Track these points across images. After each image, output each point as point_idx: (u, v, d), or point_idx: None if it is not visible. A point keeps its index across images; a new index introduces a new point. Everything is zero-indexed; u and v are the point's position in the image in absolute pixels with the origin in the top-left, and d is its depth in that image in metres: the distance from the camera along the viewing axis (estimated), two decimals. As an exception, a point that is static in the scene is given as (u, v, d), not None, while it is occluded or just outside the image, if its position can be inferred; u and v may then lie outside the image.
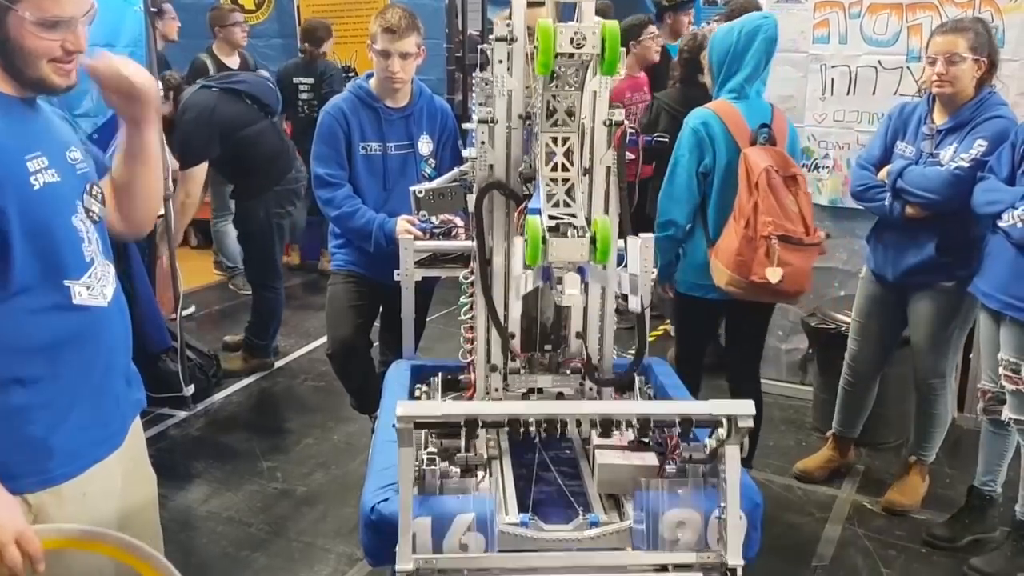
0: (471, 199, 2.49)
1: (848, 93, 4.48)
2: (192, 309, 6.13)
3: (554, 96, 2.11)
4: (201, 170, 4.80)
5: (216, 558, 3.48)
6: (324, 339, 4.08)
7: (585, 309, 2.55)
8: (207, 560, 3.46)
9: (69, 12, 1.82)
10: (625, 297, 2.34)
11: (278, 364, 5.38)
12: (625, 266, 2.26)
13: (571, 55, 1.93)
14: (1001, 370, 3.25)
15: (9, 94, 1.86)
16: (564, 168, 2.11)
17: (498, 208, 2.44)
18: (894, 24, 4.32)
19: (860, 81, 4.44)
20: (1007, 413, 3.29)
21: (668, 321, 5.54)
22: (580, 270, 2.07)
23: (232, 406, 4.87)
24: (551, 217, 2.03)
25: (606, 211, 2.44)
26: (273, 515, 3.77)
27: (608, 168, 2.41)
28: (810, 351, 4.62)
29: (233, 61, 6.51)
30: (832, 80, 4.50)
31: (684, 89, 4.77)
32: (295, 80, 6.71)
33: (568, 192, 2.09)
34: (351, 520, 3.52)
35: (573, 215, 2.05)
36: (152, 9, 4.32)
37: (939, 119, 3.48)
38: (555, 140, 2.12)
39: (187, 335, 4.79)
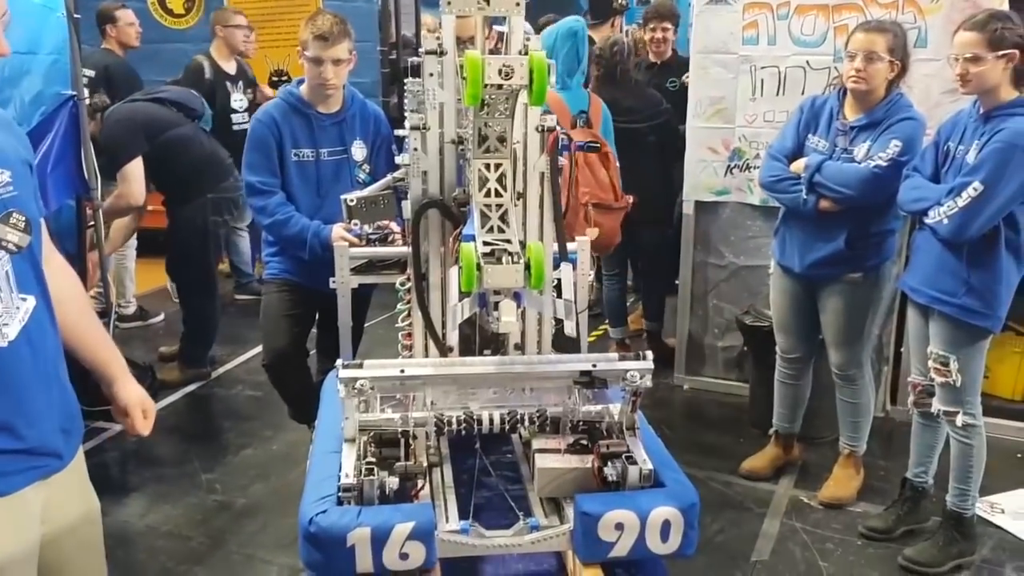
0: (406, 205, 2.49)
1: (778, 93, 4.54)
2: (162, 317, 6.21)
3: (485, 124, 2.11)
4: (136, 167, 4.71)
5: (155, 574, 3.42)
6: (261, 348, 4.03)
7: (523, 318, 2.56)
8: (145, 576, 3.42)
9: None
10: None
11: (215, 374, 5.30)
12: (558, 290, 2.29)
13: (499, 86, 1.94)
14: (931, 363, 3.33)
15: None
16: (497, 194, 2.11)
17: (433, 218, 2.44)
18: (821, 25, 4.39)
19: (789, 81, 4.50)
20: (937, 405, 3.36)
21: (607, 321, 5.57)
22: (516, 295, 2.08)
23: (169, 417, 4.78)
24: (485, 243, 2.04)
25: (541, 219, 2.45)
26: (213, 528, 3.71)
27: (542, 174, 2.42)
28: (745, 348, 4.68)
29: (230, 67, 6.31)
30: (762, 81, 4.56)
31: (603, 90, 4.88)
32: None
33: (502, 217, 2.10)
34: (292, 531, 3.42)
35: (508, 240, 2.05)
36: (76, 16, 4.22)
37: (851, 115, 3.57)
38: (488, 166, 2.12)
39: (120, 346, 4.68)
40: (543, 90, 1.94)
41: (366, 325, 3.88)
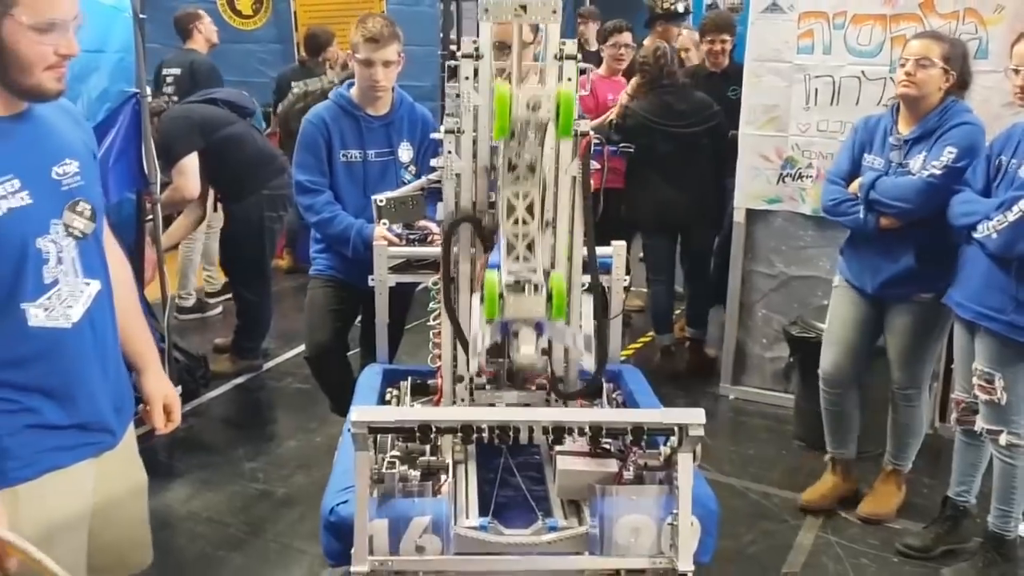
0: (440, 207, 2.52)
1: (832, 103, 4.49)
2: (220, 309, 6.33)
3: (516, 153, 2.13)
4: (191, 162, 4.84)
5: (193, 558, 3.53)
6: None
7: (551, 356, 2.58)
8: (184, 559, 3.51)
9: (63, 14, 1.83)
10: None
11: (266, 366, 5.42)
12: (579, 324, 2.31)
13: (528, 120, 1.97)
14: (975, 380, 3.27)
15: None
16: (524, 222, 2.14)
17: (465, 225, 2.47)
18: (878, 35, 4.34)
19: (844, 91, 4.45)
20: (980, 424, 3.30)
21: (654, 328, 5.56)
22: (539, 326, 2.09)
23: (218, 407, 4.92)
24: (510, 272, 2.06)
25: (571, 225, 2.46)
26: (252, 516, 3.81)
27: (573, 178, 2.44)
28: (791, 360, 4.63)
29: None
30: (816, 90, 4.52)
31: (652, 96, 4.96)
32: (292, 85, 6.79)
33: (528, 247, 2.12)
34: (328, 522, 3.55)
35: (532, 270, 2.07)
36: (142, 16, 4.34)
37: (904, 129, 3.50)
38: (516, 195, 2.15)
39: (176, 337, 4.83)
40: (569, 124, 1.98)
41: (412, 324, 3.93)
